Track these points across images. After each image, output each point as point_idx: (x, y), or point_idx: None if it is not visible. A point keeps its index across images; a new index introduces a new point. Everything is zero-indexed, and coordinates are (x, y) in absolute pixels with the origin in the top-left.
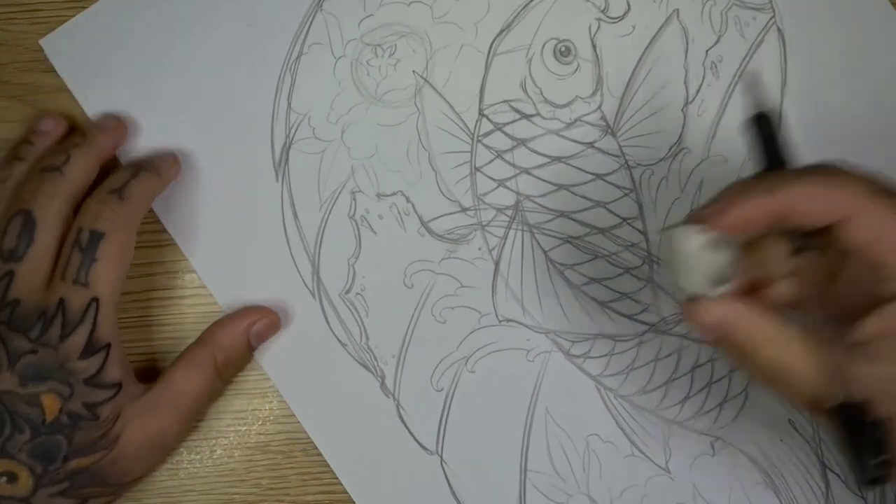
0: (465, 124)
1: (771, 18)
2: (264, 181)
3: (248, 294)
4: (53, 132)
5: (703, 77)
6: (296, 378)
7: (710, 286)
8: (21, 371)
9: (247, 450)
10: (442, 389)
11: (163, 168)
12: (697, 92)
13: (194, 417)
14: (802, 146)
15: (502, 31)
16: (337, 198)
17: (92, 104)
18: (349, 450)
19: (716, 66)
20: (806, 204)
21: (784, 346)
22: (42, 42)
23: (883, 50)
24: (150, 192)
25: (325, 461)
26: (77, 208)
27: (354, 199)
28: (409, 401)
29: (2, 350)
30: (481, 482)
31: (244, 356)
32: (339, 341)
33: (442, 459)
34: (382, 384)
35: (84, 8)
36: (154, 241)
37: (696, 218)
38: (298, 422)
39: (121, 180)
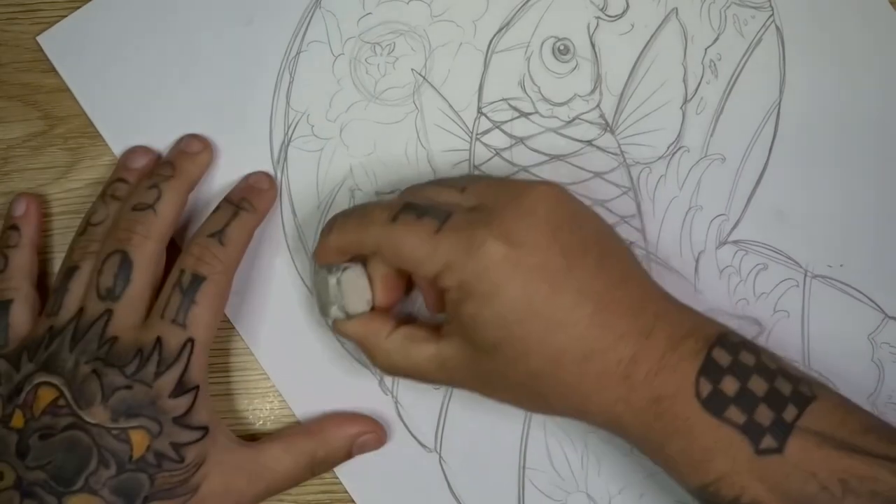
0: (464, 122)
1: (770, 17)
2: None
3: (247, 293)
4: (146, 168)
5: (702, 75)
6: (295, 377)
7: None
8: (114, 406)
9: None
10: (441, 387)
11: (259, 203)
12: (696, 90)
13: (270, 495)
14: (801, 145)
15: (501, 29)
16: (335, 196)
17: (90, 101)
18: None
19: (714, 65)
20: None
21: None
22: (40, 39)
23: (882, 49)
24: (249, 232)
25: None
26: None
27: (353, 197)
28: (407, 399)
29: (97, 384)
30: (480, 480)
31: (340, 461)
32: (339, 339)
33: (441, 457)
34: (381, 382)
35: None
36: None
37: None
38: (299, 421)
39: (221, 222)
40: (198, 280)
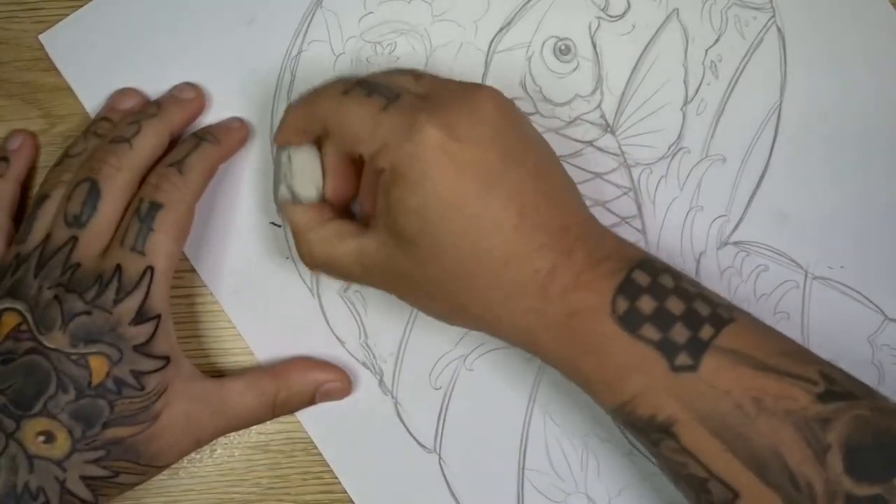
0: None
1: (771, 18)
2: (264, 179)
3: (248, 293)
4: (133, 109)
5: (703, 76)
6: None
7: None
8: (73, 331)
9: (247, 449)
10: (440, 387)
11: (224, 137)
12: (697, 91)
13: (230, 431)
14: (802, 146)
15: (502, 29)
16: None
17: (91, 100)
18: (348, 448)
19: (715, 66)
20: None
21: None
22: (41, 37)
23: (883, 50)
24: (211, 164)
25: (325, 460)
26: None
27: None
28: (407, 399)
29: (57, 309)
30: (479, 480)
31: (303, 405)
32: (338, 339)
33: (440, 458)
34: (381, 382)
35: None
36: None
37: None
38: (298, 421)
39: (182, 153)
40: (155, 207)
